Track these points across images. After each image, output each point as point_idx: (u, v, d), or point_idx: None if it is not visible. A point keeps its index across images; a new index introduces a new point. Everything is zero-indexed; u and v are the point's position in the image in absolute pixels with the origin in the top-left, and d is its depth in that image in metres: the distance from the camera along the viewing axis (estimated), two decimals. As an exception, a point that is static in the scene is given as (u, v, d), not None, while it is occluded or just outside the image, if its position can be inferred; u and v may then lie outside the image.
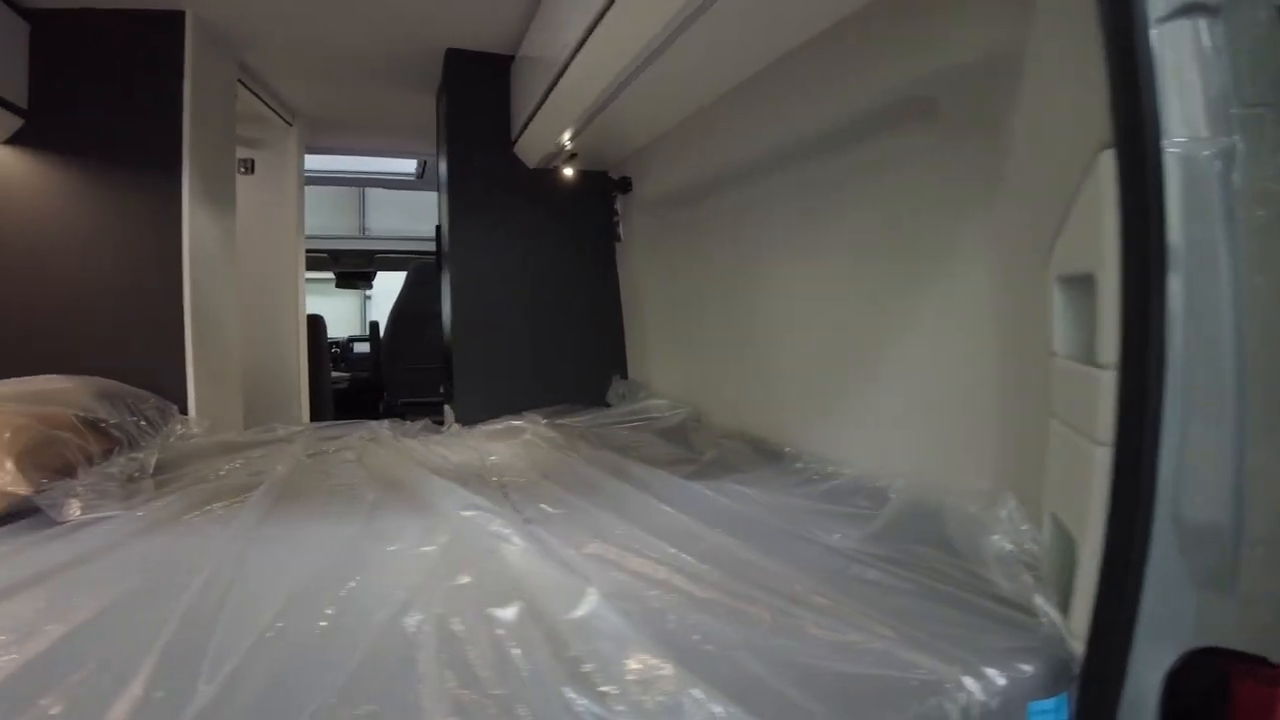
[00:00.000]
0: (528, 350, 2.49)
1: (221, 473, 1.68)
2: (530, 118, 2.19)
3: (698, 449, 1.87)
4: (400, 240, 5.41)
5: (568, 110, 1.95)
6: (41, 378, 1.84)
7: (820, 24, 1.36)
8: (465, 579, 1.00)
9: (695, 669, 0.74)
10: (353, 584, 1.00)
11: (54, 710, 0.71)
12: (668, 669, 0.74)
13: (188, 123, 2.14)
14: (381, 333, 4.71)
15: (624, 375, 2.58)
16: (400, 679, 0.76)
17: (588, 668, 0.76)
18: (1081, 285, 0.87)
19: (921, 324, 1.42)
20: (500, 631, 0.84)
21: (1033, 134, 1.06)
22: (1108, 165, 0.78)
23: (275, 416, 2.74)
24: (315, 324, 3.41)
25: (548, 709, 0.69)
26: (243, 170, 2.96)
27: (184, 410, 2.10)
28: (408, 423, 2.24)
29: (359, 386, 4.57)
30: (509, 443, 1.92)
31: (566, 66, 1.76)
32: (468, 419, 2.29)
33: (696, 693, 0.70)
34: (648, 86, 1.70)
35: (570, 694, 0.71)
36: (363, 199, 5.47)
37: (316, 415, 3.17)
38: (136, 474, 1.62)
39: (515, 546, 1.08)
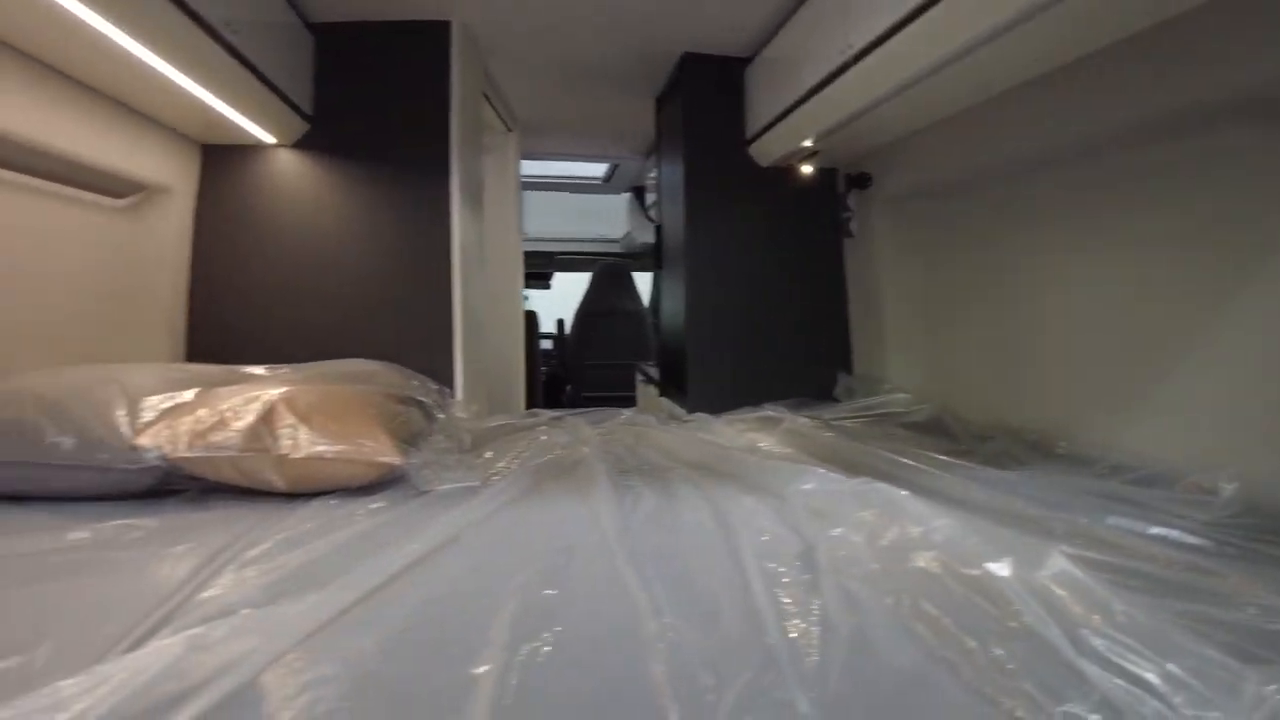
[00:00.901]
0: (754, 344, 2.56)
1: (524, 451, 1.81)
2: (777, 119, 2.25)
3: (966, 442, 1.88)
4: (556, 242, 5.61)
5: (830, 112, 1.98)
6: (353, 360, 2.04)
7: (1155, 19, 1.35)
8: (907, 541, 1.07)
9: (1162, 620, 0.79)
10: (780, 548, 1.07)
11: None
12: (1141, 617, 0.79)
13: (454, 128, 2.31)
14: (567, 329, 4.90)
15: (848, 371, 2.61)
16: (899, 629, 0.82)
17: (1078, 613, 0.81)
18: None
19: (1241, 317, 1.40)
20: (990, 586, 0.90)
21: None
22: None
23: (500, 404, 2.93)
24: (530, 319, 3.61)
25: (1067, 651, 0.75)
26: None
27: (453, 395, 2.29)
28: (649, 412, 2.35)
29: (547, 379, 4.79)
30: (769, 431, 1.98)
31: (844, 69, 1.80)
32: (698, 410, 2.38)
33: (1179, 638, 0.74)
34: (927, 87, 1.72)
35: (1086, 633, 0.76)
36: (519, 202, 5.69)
37: (529, 404, 3.35)
38: (457, 450, 1.77)
39: (928, 512, 1.12)
